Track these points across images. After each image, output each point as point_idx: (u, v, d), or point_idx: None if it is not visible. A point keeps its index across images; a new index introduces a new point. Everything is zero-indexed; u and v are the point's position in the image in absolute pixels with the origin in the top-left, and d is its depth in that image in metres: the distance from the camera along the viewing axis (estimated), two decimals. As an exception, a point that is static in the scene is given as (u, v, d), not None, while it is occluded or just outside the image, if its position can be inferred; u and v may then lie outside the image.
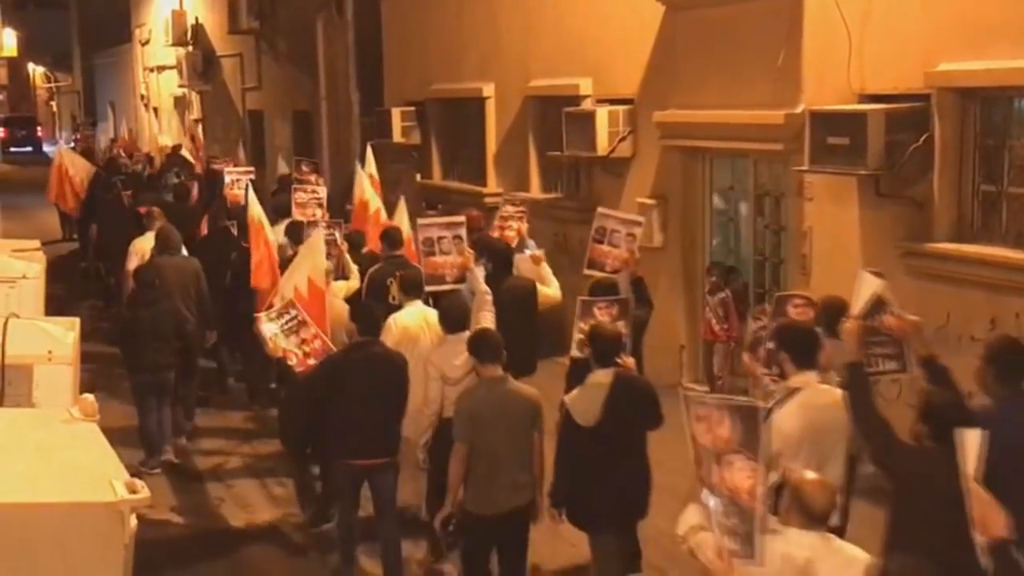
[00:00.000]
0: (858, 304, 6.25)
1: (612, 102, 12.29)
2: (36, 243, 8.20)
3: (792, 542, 4.59)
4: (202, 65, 26.73)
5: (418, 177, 16.38)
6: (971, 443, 4.38)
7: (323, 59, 19.91)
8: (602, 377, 6.48)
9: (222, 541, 8.54)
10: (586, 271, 8.78)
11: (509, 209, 10.57)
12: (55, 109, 54.12)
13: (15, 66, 54.37)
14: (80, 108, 44.64)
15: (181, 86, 28.70)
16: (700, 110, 10.77)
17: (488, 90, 15.03)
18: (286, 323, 7.90)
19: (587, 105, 12.65)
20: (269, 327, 7.86)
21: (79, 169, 17.99)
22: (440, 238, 8.70)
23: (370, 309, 7.84)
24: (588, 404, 6.44)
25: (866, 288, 6.35)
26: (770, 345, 6.66)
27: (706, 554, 4.65)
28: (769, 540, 4.52)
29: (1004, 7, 7.98)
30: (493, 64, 14.93)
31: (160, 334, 9.63)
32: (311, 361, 7.86)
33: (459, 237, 8.72)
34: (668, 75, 11.40)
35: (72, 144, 29.13)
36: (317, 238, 9.10)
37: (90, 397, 4.82)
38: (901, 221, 8.83)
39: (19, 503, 3.83)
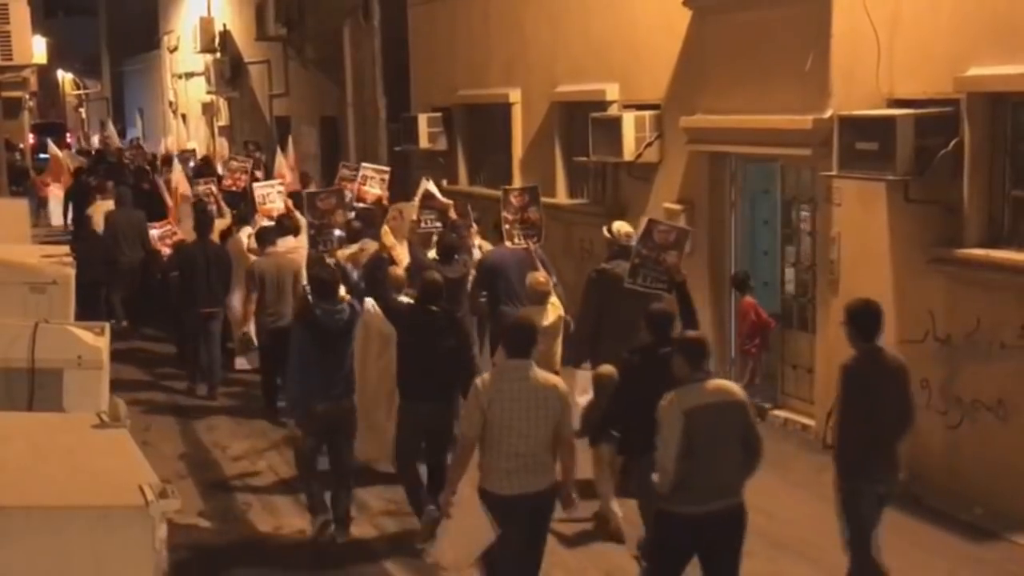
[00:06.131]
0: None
1: (639, 107, 12.27)
2: (65, 249, 8.24)
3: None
4: (230, 72, 26.85)
5: (444, 183, 16.39)
6: None
7: (350, 65, 19.97)
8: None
9: (249, 547, 8.56)
10: (355, 204, 13.14)
11: (345, 172, 14.54)
12: (84, 116, 54.42)
13: (44, 73, 54.70)
14: (109, 115, 44.91)
15: (209, 92, 28.86)
16: (727, 115, 10.73)
17: (514, 96, 15.05)
18: (167, 232, 14.33)
19: (614, 110, 12.64)
20: (154, 232, 14.43)
21: (66, 156, 24.96)
22: (268, 194, 13.66)
23: (203, 216, 13.32)
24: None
25: (422, 188, 11.46)
26: None
27: None
28: None
29: (1035, 11, 7.92)
30: (519, 70, 14.94)
31: (92, 260, 13.68)
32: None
33: (280, 192, 13.77)
34: (695, 80, 11.38)
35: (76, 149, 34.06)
36: (187, 211, 14.89)
37: (120, 402, 4.83)
38: (930, 226, 8.77)
39: (50, 507, 3.85)
